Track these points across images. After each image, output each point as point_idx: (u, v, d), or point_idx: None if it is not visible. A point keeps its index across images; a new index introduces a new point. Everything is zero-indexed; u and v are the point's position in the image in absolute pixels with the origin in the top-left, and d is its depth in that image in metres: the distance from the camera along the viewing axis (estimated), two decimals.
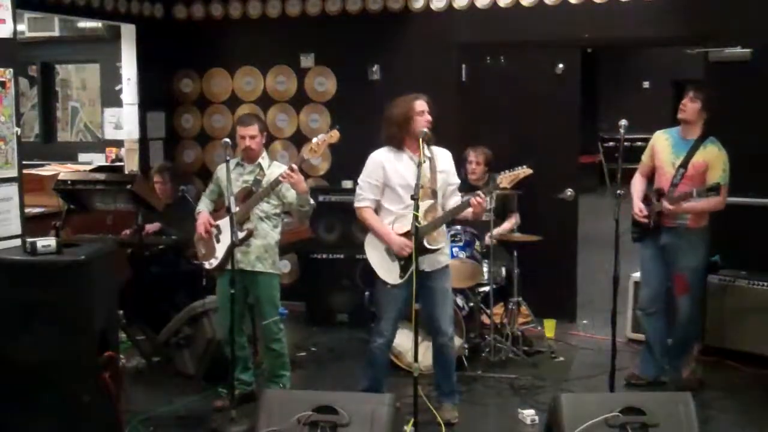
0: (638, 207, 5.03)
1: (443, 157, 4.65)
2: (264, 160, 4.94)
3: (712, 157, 4.90)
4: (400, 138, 4.56)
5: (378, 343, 4.67)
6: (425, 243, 4.38)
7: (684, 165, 4.91)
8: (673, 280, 5.10)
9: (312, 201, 4.87)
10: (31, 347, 3.80)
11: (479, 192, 4.42)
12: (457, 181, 4.71)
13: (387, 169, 4.56)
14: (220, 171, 4.89)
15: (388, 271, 4.56)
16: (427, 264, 4.49)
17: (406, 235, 4.41)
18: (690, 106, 4.94)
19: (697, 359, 5.41)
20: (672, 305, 5.18)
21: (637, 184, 5.20)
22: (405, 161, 4.55)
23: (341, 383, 5.29)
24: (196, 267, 5.53)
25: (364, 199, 4.61)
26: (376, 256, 4.61)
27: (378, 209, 4.63)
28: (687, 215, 4.92)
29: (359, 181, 4.65)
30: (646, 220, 4.97)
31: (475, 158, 5.98)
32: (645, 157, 5.21)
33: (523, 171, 4.41)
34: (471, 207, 4.45)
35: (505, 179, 4.43)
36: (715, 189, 4.72)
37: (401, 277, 4.50)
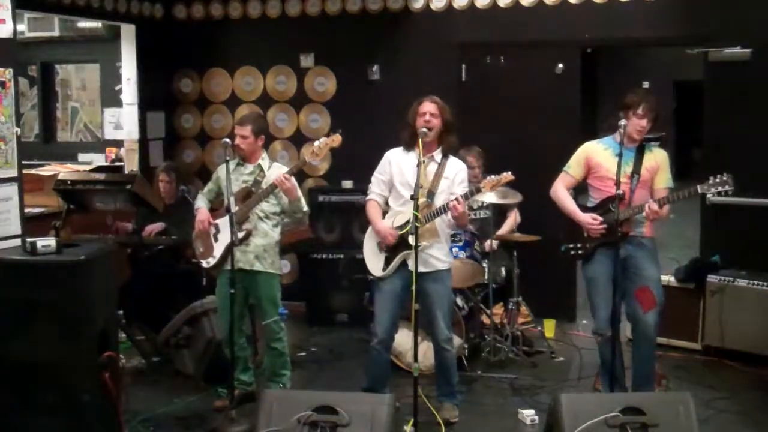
0: (590, 217, 4.66)
1: (454, 167, 4.66)
2: (264, 161, 4.95)
3: (662, 158, 4.74)
4: (407, 138, 4.63)
5: (374, 342, 4.72)
6: (409, 239, 4.39)
7: (637, 171, 4.68)
8: (636, 296, 4.63)
9: (305, 208, 4.89)
10: (31, 347, 3.80)
11: (458, 196, 4.42)
12: (461, 192, 4.55)
13: (392, 165, 4.69)
14: (221, 171, 4.89)
15: (374, 264, 4.68)
16: (419, 264, 4.50)
17: (399, 229, 4.56)
18: (647, 128, 4.67)
19: (661, 375, 5.07)
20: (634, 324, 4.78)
21: (568, 197, 4.83)
22: (410, 161, 4.60)
23: (341, 383, 5.30)
24: (195, 267, 5.54)
25: (370, 192, 4.80)
26: (368, 248, 4.75)
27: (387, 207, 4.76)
28: (643, 225, 4.68)
29: (372, 176, 4.82)
30: (602, 229, 4.61)
31: (476, 161, 5.94)
32: (575, 171, 4.83)
33: (505, 177, 4.42)
34: (449, 211, 4.44)
35: (488, 184, 4.44)
36: (727, 183, 4.37)
37: (383, 269, 4.60)
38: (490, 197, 5.48)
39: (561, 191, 4.87)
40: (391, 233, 4.57)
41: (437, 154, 4.64)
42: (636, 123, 4.64)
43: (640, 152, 4.74)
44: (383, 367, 4.78)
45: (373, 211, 4.74)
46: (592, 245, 4.72)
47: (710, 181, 4.41)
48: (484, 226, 5.87)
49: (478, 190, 4.48)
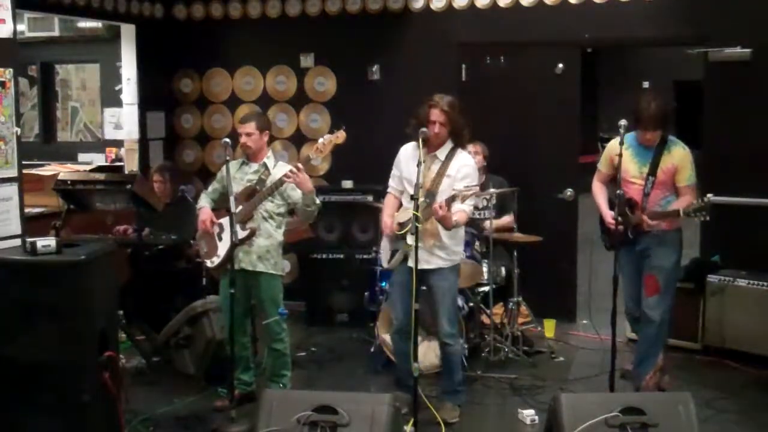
0: (610, 216, 4.86)
1: (459, 163, 4.63)
2: (269, 159, 4.94)
3: (680, 159, 4.80)
4: (414, 133, 4.62)
5: (392, 332, 4.86)
6: (408, 239, 4.46)
7: (653, 173, 4.81)
8: (643, 282, 4.97)
9: (318, 201, 4.87)
10: (31, 347, 3.80)
11: (441, 202, 4.39)
12: (460, 188, 4.50)
13: (402, 162, 4.75)
14: (224, 170, 4.87)
15: (385, 255, 4.82)
16: (422, 261, 4.49)
17: (400, 226, 4.63)
18: (654, 136, 4.82)
19: (662, 368, 5.12)
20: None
21: (600, 192, 5.07)
22: (416, 158, 4.55)
23: (341, 383, 5.30)
24: (195, 267, 5.53)
25: (389, 185, 4.89)
26: (385, 240, 4.84)
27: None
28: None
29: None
30: (620, 228, 4.76)
31: (473, 148, 5.90)
32: (603, 166, 5.05)
33: (473, 189, 4.44)
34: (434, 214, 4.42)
35: (461, 194, 4.39)
36: (704, 209, 4.50)
37: (389, 262, 4.73)
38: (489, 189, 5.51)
39: (596, 186, 5.13)
40: (386, 225, 4.68)
41: (441, 153, 4.63)
42: (642, 134, 4.83)
43: (659, 152, 4.84)
44: (404, 356, 4.77)
45: (385, 203, 4.87)
46: (615, 239, 4.86)
47: (694, 204, 4.55)
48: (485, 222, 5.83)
49: (454, 199, 4.41)
